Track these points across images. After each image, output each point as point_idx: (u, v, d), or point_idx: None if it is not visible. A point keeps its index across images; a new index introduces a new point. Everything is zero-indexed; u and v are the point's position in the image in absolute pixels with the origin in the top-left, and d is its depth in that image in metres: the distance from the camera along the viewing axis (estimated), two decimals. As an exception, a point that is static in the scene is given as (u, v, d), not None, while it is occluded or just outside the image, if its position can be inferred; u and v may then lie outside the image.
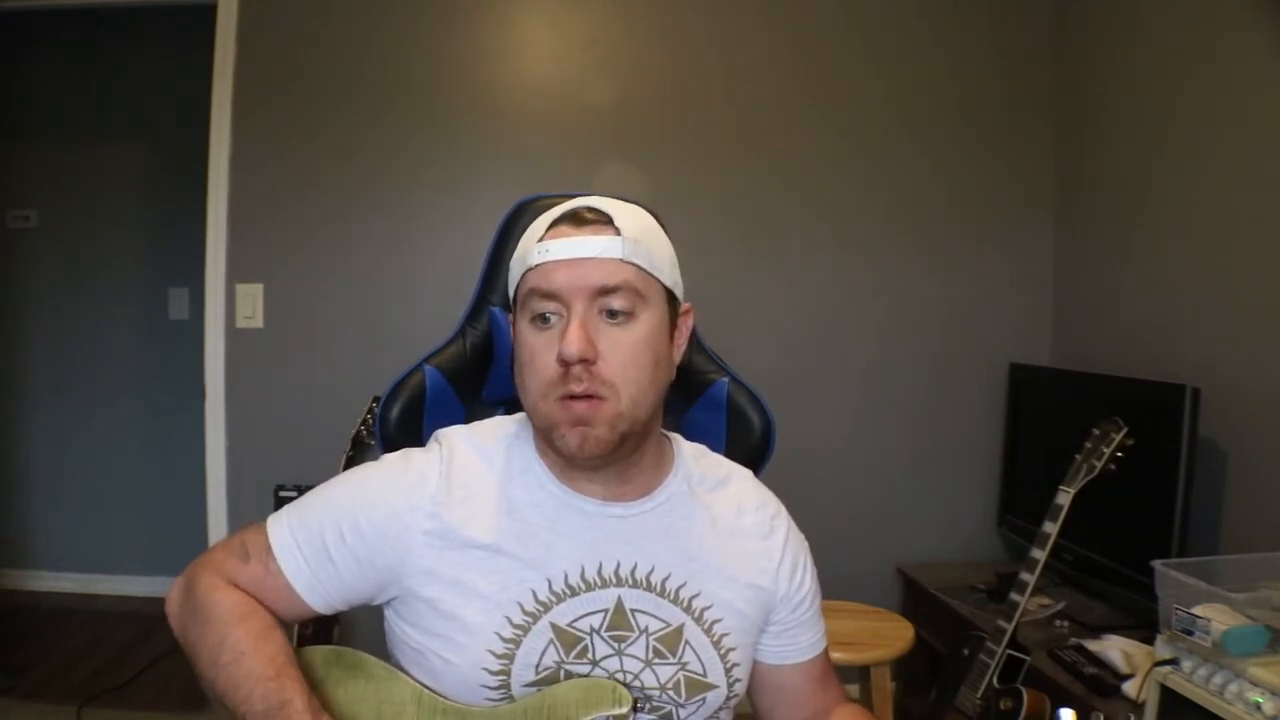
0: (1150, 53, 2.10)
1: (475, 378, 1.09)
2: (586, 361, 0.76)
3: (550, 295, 0.78)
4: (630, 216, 0.82)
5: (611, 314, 0.78)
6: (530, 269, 0.80)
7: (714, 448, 0.97)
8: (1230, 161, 1.84)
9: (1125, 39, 2.19)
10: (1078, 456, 1.58)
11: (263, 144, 2.41)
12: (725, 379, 1.09)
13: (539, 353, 0.78)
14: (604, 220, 0.81)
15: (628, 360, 0.78)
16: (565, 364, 0.76)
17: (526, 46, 2.46)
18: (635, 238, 0.80)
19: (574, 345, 0.75)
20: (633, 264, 0.79)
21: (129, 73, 3.30)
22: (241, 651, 0.75)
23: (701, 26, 2.45)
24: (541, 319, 0.79)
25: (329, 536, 0.81)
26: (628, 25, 2.45)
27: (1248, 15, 1.78)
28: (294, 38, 2.42)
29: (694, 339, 1.06)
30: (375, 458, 0.90)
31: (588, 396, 0.76)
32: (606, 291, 0.78)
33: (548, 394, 0.78)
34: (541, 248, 0.79)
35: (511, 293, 0.85)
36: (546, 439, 0.81)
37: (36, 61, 3.33)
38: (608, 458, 0.79)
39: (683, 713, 0.83)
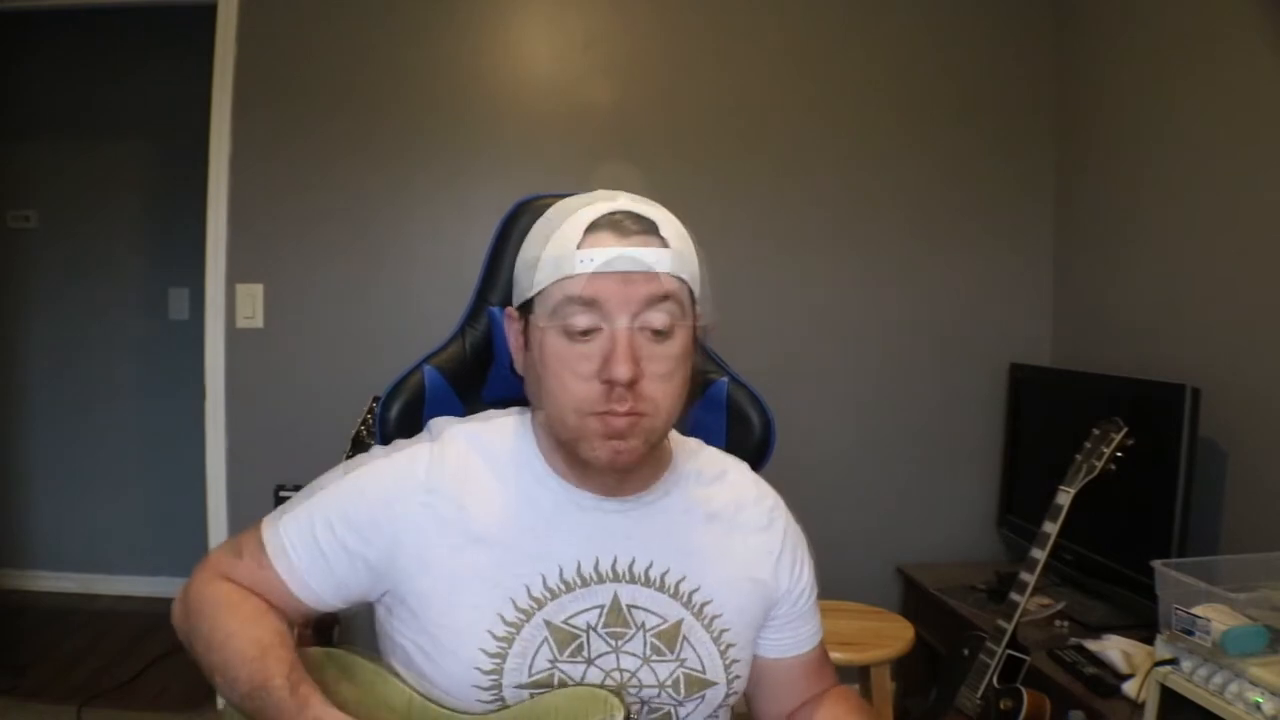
0: (1150, 52, 2.10)
1: (475, 378, 1.09)
2: (633, 383, 0.74)
3: (591, 305, 0.74)
4: (670, 224, 0.79)
5: (655, 329, 0.75)
6: (568, 277, 0.75)
7: (714, 447, 0.97)
8: (1230, 161, 1.84)
9: (1125, 38, 2.19)
10: (1078, 456, 1.58)
11: (263, 144, 2.41)
12: (725, 379, 1.09)
13: (574, 365, 0.75)
14: (649, 229, 0.76)
15: (668, 376, 0.76)
16: (610, 383, 0.73)
17: (526, 46, 2.46)
18: (679, 249, 0.77)
19: (624, 369, 0.72)
20: (678, 277, 0.77)
21: (129, 73, 3.30)
22: (230, 633, 0.76)
23: (701, 26, 2.45)
24: (579, 329, 0.75)
25: (319, 530, 0.80)
26: (628, 25, 2.45)
27: (1247, 14, 1.78)
28: (294, 38, 2.42)
29: (694, 339, 1.06)
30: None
31: (629, 414, 0.74)
32: (653, 304, 0.75)
33: (582, 410, 0.75)
34: (584, 255, 0.74)
35: (531, 293, 0.79)
36: (571, 449, 0.78)
37: (37, 62, 3.33)
38: (633, 469, 0.79)
39: (681, 711, 0.82)
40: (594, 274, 0.74)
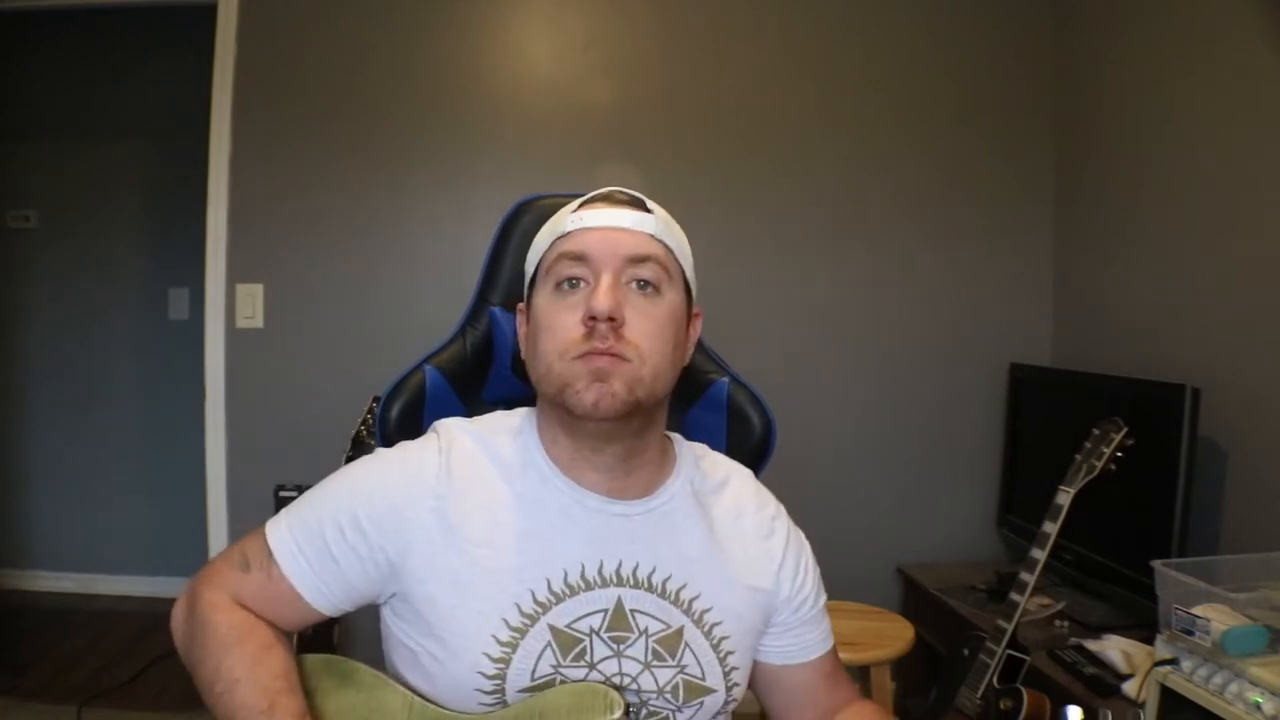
0: (1150, 52, 2.10)
1: (475, 378, 1.09)
2: (614, 321, 0.76)
3: (581, 258, 0.79)
4: (658, 208, 0.86)
5: (641, 285, 0.79)
6: (561, 236, 0.81)
7: (714, 447, 0.97)
8: (1230, 161, 1.84)
9: (1125, 38, 2.20)
10: (1078, 456, 1.58)
11: (263, 144, 2.41)
12: (725, 379, 1.09)
13: (560, 316, 0.79)
14: (636, 202, 0.84)
15: (653, 330, 0.79)
16: (593, 320, 0.76)
17: (526, 46, 2.46)
18: (666, 220, 0.85)
19: (605, 302, 0.76)
20: (663, 242, 0.82)
21: (129, 73, 3.30)
22: (236, 679, 0.74)
23: (701, 26, 2.45)
24: (568, 284, 0.79)
25: (329, 535, 0.79)
26: (628, 25, 2.45)
27: (1247, 14, 1.78)
28: (294, 38, 2.42)
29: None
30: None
31: (611, 354, 0.76)
32: (637, 261, 0.79)
33: (566, 353, 0.77)
34: (576, 217, 0.82)
35: (531, 271, 0.86)
36: (558, 402, 0.79)
37: (36, 62, 3.33)
38: (617, 424, 0.78)
39: (680, 717, 0.82)
40: (583, 229, 0.81)
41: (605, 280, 0.77)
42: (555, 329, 0.78)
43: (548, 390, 0.80)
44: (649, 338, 0.78)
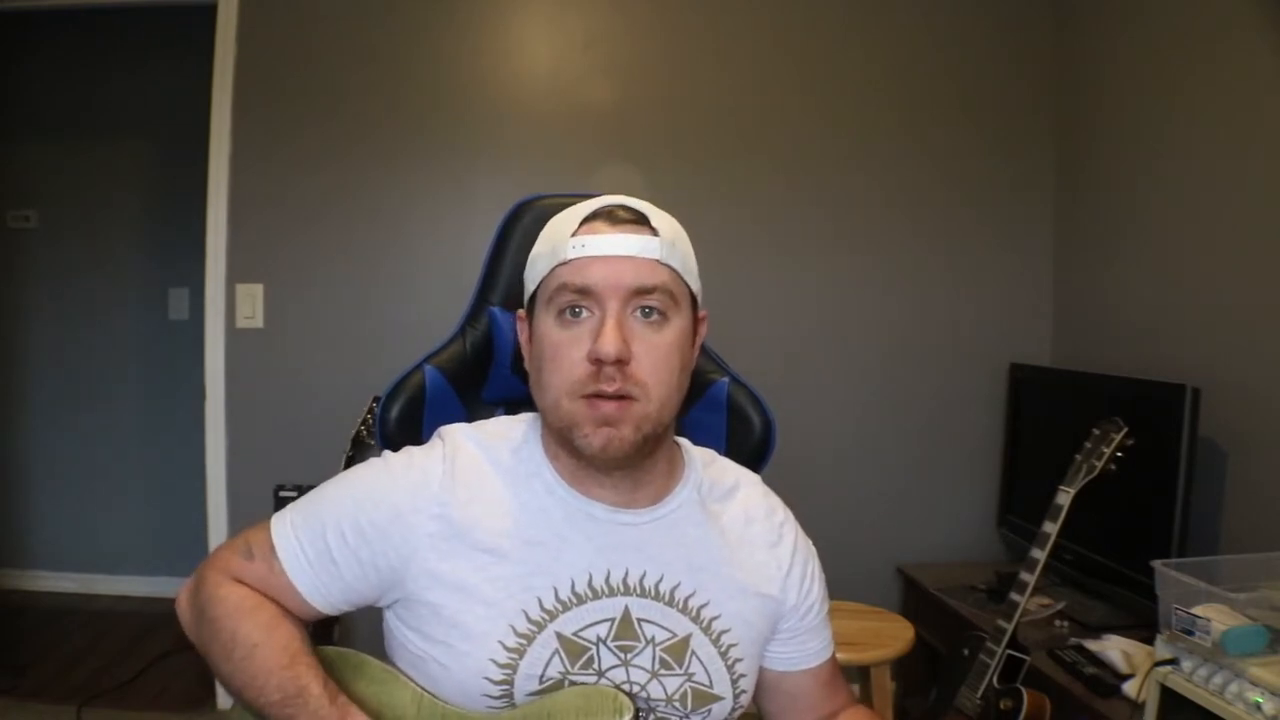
0: (1150, 52, 2.10)
1: (475, 378, 1.09)
2: (621, 362, 0.75)
3: (583, 291, 0.76)
4: (663, 218, 0.82)
5: (646, 313, 0.77)
6: (562, 264, 0.78)
7: (714, 448, 0.97)
8: (1230, 161, 1.84)
9: (1125, 38, 2.20)
10: (1078, 456, 1.58)
11: (263, 144, 2.41)
12: (725, 379, 1.09)
13: (565, 349, 0.77)
14: (640, 220, 0.80)
15: (659, 362, 0.77)
16: (599, 363, 0.75)
17: (526, 46, 2.46)
18: (671, 239, 0.80)
19: (611, 345, 0.74)
20: (668, 266, 0.79)
21: (129, 73, 3.30)
22: (254, 644, 0.75)
23: (702, 26, 2.45)
24: (571, 312, 0.77)
25: (331, 537, 0.79)
26: (628, 25, 2.45)
27: (1247, 14, 1.78)
28: (294, 38, 2.42)
29: (696, 339, 1.07)
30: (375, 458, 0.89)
31: (618, 397, 0.75)
32: (643, 292, 0.77)
33: (573, 392, 0.76)
34: (576, 242, 0.78)
35: (531, 289, 0.83)
36: (565, 439, 0.79)
37: (36, 62, 3.33)
38: (628, 460, 0.78)
39: None
40: (583, 258, 0.77)
41: (610, 320, 0.75)
42: (561, 363, 0.77)
43: (555, 425, 0.79)
44: (656, 371, 0.77)
